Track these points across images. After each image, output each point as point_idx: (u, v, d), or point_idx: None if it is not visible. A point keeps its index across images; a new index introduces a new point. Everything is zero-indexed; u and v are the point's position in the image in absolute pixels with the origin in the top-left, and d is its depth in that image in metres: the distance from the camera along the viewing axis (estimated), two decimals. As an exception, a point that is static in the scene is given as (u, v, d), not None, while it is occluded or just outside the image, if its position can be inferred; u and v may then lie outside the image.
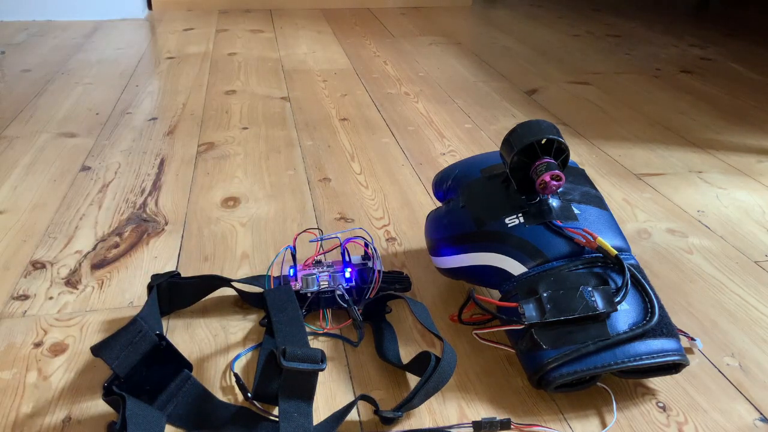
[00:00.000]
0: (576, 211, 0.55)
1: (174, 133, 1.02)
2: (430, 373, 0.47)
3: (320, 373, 0.45)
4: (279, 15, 1.99)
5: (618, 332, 0.47)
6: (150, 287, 0.57)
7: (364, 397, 0.48)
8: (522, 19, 2.02)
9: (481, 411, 0.49)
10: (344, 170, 0.91)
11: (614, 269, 0.51)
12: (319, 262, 0.61)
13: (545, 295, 0.49)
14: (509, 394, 0.51)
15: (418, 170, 0.91)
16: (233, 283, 0.60)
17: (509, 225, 0.54)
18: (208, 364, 0.53)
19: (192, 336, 0.57)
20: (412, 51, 1.59)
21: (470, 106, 1.19)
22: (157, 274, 0.58)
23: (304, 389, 0.45)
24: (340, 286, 0.58)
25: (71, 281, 0.64)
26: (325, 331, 0.57)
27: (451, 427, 0.48)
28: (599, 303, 0.48)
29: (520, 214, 0.55)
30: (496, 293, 0.57)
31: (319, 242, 0.67)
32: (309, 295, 0.57)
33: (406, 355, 0.54)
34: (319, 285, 0.58)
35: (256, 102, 1.18)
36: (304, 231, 0.73)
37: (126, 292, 0.62)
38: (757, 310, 0.62)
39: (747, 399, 0.51)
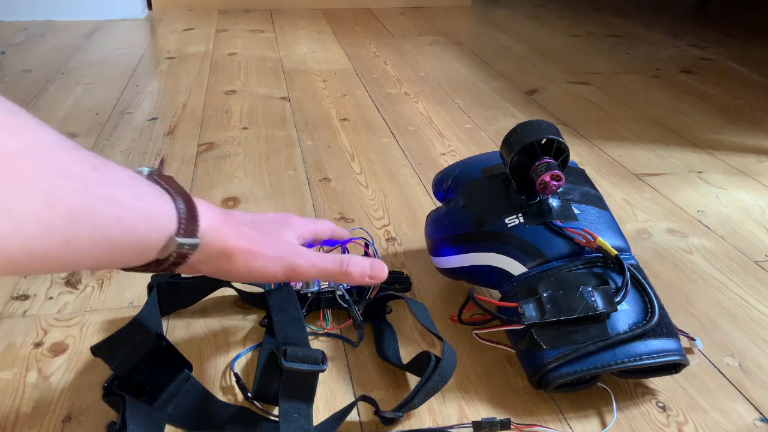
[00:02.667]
0: (576, 211, 0.55)
1: (174, 133, 1.02)
2: (430, 373, 0.47)
3: (320, 374, 0.46)
4: (279, 15, 1.99)
5: (618, 332, 0.47)
6: (150, 287, 0.57)
7: (365, 398, 0.48)
8: (522, 19, 2.02)
9: (481, 411, 0.49)
10: (344, 170, 0.91)
11: (614, 269, 0.51)
12: (319, 262, 0.61)
13: (545, 295, 0.49)
14: (509, 394, 0.51)
15: (418, 170, 0.91)
16: (233, 283, 0.60)
17: (509, 225, 0.54)
18: (208, 364, 0.53)
19: (192, 336, 0.57)
20: (412, 51, 1.59)
21: (470, 106, 1.19)
22: (157, 274, 0.58)
23: (304, 390, 0.45)
24: (341, 286, 0.58)
25: (71, 281, 0.64)
26: (326, 331, 0.57)
27: (451, 427, 0.48)
28: (599, 303, 0.48)
29: (520, 214, 0.55)
30: (496, 293, 0.57)
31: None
32: (309, 295, 0.57)
33: (406, 355, 0.54)
34: (319, 285, 0.58)
35: (256, 102, 1.18)
36: (304, 231, 0.73)
37: (126, 292, 0.62)
38: (757, 310, 0.62)
39: (747, 399, 0.51)
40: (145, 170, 0.41)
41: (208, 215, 0.41)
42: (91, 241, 0.33)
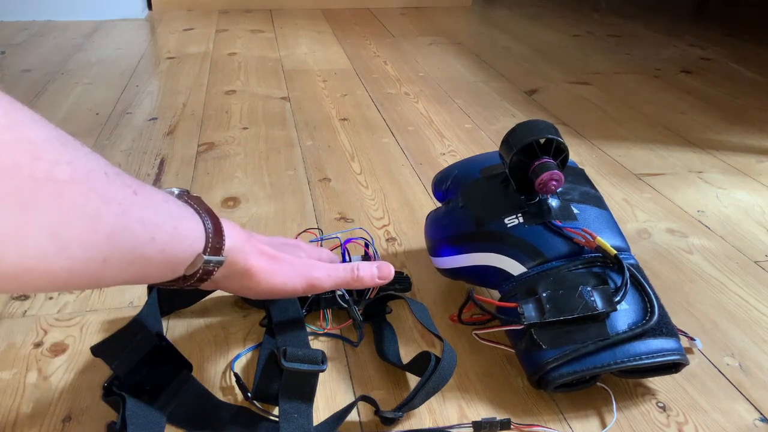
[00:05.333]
0: (575, 211, 0.55)
1: (174, 133, 1.03)
2: (430, 373, 0.47)
3: (320, 374, 0.46)
4: (279, 15, 1.99)
5: (617, 332, 0.47)
6: (150, 287, 0.57)
7: (365, 398, 0.48)
8: (522, 19, 2.02)
9: (481, 411, 0.49)
10: (344, 170, 0.91)
11: (614, 269, 0.51)
12: (319, 262, 0.61)
13: (545, 295, 0.49)
14: (509, 394, 0.51)
15: (418, 170, 0.92)
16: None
17: (509, 225, 0.54)
18: (208, 364, 0.53)
19: (192, 336, 0.57)
20: (412, 51, 1.59)
21: (470, 106, 1.19)
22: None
23: (304, 390, 0.45)
24: (340, 286, 0.58)
25: (71, 281, 0.64)
26: (326, 331, 0.57)
27: (451, 427, 0.48)
28: (599, 303, 0.48)
29: (519, 214, 0.55)
30: (495, 293, 0.57)
31: (319, 242, 0.67)
32: (309, 295, 0.57)
33: (406, 355, 0.54)
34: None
35: (256, 102, 1.18)
36: (304, 231, 0.73)
37: (126, 292, 0.62)
38: (757, 310, 0.62)
39: (747, 399, 0.51)
40: (176, 191, 0.44)
41: (232, 235, 0.44)
42: (127, 260, 0.36)
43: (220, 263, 0.43)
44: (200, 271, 0.42)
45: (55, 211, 0.30)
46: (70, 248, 0.31)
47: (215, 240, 0.42)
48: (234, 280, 0.47)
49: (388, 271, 0.53)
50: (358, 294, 0.59)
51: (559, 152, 0.54)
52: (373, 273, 0.52)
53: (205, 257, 0.41)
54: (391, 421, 0.47)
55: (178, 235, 0.39)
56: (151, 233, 0.37)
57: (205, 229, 0.42)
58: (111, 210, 0.34)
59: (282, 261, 0.49)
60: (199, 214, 0.42)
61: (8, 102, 0.30)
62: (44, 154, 0.30)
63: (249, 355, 0.55)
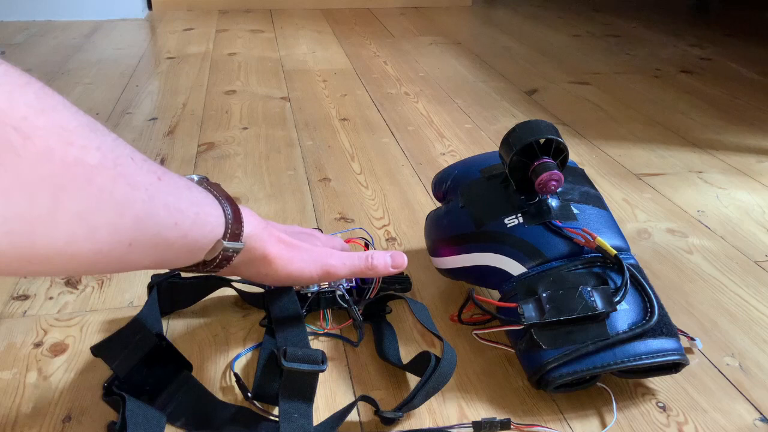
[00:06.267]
0: (575, 211, 0.55)
1: (174, 133, 1.03)
2: (430, 373, 0.47)
3: (320, 374, 0.46)
4: (279, 15, 1.99)
5: (617, 332, 0.47)
6: (150, 287, 0.57)
7: (365, 398, 0.48)
8: (522, 19, 2.02)
9: (481, 411, 0.49)
10: (344, 170, 0.91)
11: (613, 269, 0.51)
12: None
13: (544, 295, 0.49)
14: (509, 394, 0.51)
15: (418, 170, 0.92)
16: (233, 283, 0.60)
17: (508, 225, 0.54)
18: (208, 364, 0.53)
19: (192, 336, 0.57)
20: (412, 51, 1.59)
21: (470, 106, 1.19)
22: (157, 274, 0.58)
23: (304, 390, 0.45)
24: (341, 286, 0.58)
25: (71, 281, 0.64)
26: (326, 331, 0.57)
27: (451, 427, 0.48)
28: (598, 303, 0.48)
29: (519, 215, 0.55)
30: (495, 293, 0.57)
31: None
32: (309, 295, 0.57)
33: (406, 355, 0.54)
34: (319, 285, 0.58)
35: (256, 102, 1.18)
36: (304, 231, 0.73)
37: (126, 292, 0.62)
38: (757, 310, 0.62)
39: (747, 399, 0.51)
40: (195, 177, 0.45)
41: (251, 222, 0.45)
42: (151, 244, 0.36)
43: (238, 249, 0.44)
44: (219, 256, 0.43)
45: (84, 196, 0.31)
46: (98, 232, 0.32)
47: (234, 226, 0.43)
48: (252, 267, 0.48)
49: (402, 260, 0.53)
50: (358, 294, 0.59)
51: (559, 152, 0.54)
52: (387, 262, 0.53)
53: (225, 243, 0.42)
54: (391, 421, 0.47)
55: (200, 221, 0.40)
56: (174, 218, 0.37)
57: (225, 216, 0.43)
58: (138, 195, 0.34)
59: (299, 248, 0.50)
60: (219, 200, 0.43)
61: (41, 87, 0.31)
62: (75, 140, 0.31)
63: (249, 355, 0.55)
